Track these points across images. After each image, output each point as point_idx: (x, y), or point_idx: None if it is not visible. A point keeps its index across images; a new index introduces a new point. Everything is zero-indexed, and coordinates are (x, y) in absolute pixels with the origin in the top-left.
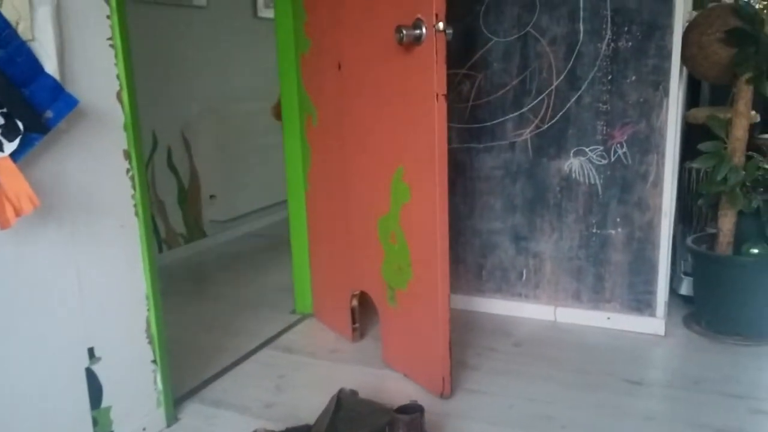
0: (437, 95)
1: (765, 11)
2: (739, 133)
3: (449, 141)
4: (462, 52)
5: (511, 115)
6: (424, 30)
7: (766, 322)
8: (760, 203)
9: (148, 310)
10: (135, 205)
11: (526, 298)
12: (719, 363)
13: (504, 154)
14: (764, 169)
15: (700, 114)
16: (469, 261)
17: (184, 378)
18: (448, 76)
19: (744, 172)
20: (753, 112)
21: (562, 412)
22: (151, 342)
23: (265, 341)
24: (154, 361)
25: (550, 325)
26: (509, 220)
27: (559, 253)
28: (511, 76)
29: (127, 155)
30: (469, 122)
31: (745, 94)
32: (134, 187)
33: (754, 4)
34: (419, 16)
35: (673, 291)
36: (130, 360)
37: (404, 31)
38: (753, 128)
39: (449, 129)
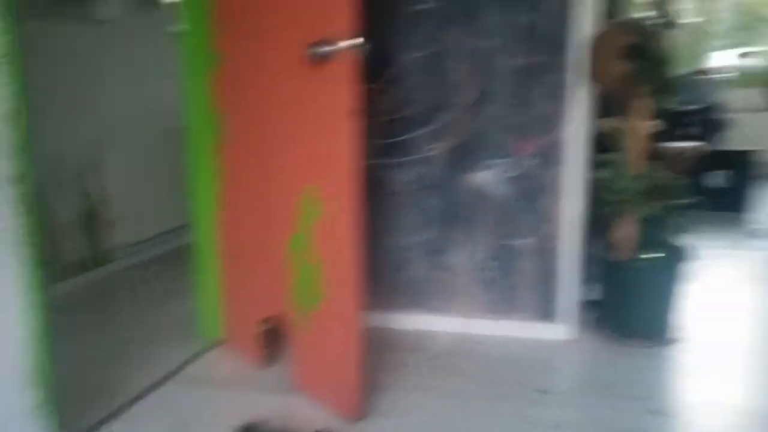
0: (350, 111)
1: (660, 26)
2: (636, 143)
3: (363, 156)
4: (376, 67)
5: (425, 130)
6: (337, 45)
7: (661, 325)
8: (659, 210)
9: (34, 348)
10: (22, 233)
11: (441, 312)
12: (623, 366)
13: (418, 168)
14: (662, 176)
15: (607, 124)
16: (383, 277)
17: (75, 421)
18: (362, 91)
19: (643, 180)
20: (656, 121)
21: (474, 426)
22: (35, 384)
23: (170, 372)
24: (39, 406)
25: (463, 337)
26: (424, 233)
27: (471, 266)
28: (425, 90)
29: (15, 177)
30: (384, 137)
31: (641, 107)
32: (22, 213)
33: (649, 20)
34: (332, 31)
35: (584, 297)
36: (10, 405)
37: (317, 47)
38: (657, 136)
39: (363, 144)
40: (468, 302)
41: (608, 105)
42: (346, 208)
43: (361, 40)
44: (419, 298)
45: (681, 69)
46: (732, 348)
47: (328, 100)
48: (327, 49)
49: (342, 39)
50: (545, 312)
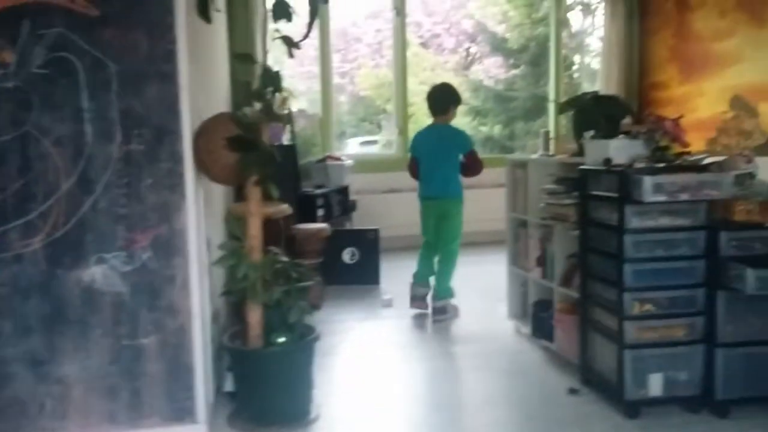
0: None
1: (268, 118)
2: (254, 231)
3: None
4: None
5: (15, 223)
6: None
7: (299, 407)
8: (281, 294)
9: None
10: None
11: None
12: None
13: (9, 267)
14: (282, 262)
15: (239, 209)
16: None
17: None
18: None
19: (264, 266)
20: (285, 205)
21: None
22: None
23: None
24: None
25: None
26: (22, 344)
27: (87, 374)
28: (10, 179)
29: None
30: None
31: (254, 195)
32: None
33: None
34: None
35: (220, 391)
36: None
37: None
38: (289, 219)
39: None
40: (86, 417)
41: (240, 191)
42: None
43: None
44: (24, 421)
45: (310, 156)
46: (369, 418)
47: None
48: None
49: None
50: (176, 413)
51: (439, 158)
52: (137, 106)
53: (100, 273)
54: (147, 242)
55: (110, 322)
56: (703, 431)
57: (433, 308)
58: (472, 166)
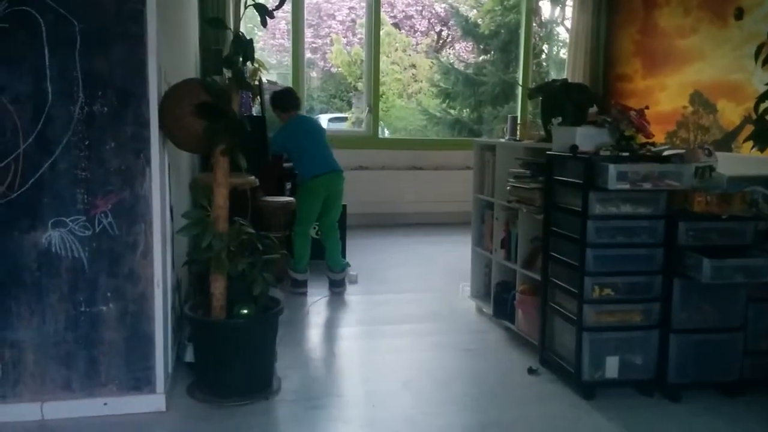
0: None
1: (236, 86)
2: (220, 201)
3: None
4: None
5: None
6: None
7: (260, 379)
8: (246, 266)
9: None
10: None
11: (5, 399)
12: (221, 430)
13: None
14: (249, 233)
15: (206, 179)
16: None
17: None
18: None
19: (229, 237)
20: (252, 177)
21: None
22: None
23: None
24: None
25: (37, 425)
26: None
27: (42, 340)
28: None
29: None
30: None
31: (222, 164)
32: None
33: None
34: None
35: (180, 360)
36: None
37: None
38: (256, 191)
39: None
40: (41, 383)
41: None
42: None
43: None
44: None
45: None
46: (330, 392)
47: None
48: None
49: None
50: (134, 382)
51: (320, 140)
52: (102, 67)
53: (57, 236)
54: (107, 207)
55: (67, 287)
56: (655, 413)
57: (338, 281)
58: None
